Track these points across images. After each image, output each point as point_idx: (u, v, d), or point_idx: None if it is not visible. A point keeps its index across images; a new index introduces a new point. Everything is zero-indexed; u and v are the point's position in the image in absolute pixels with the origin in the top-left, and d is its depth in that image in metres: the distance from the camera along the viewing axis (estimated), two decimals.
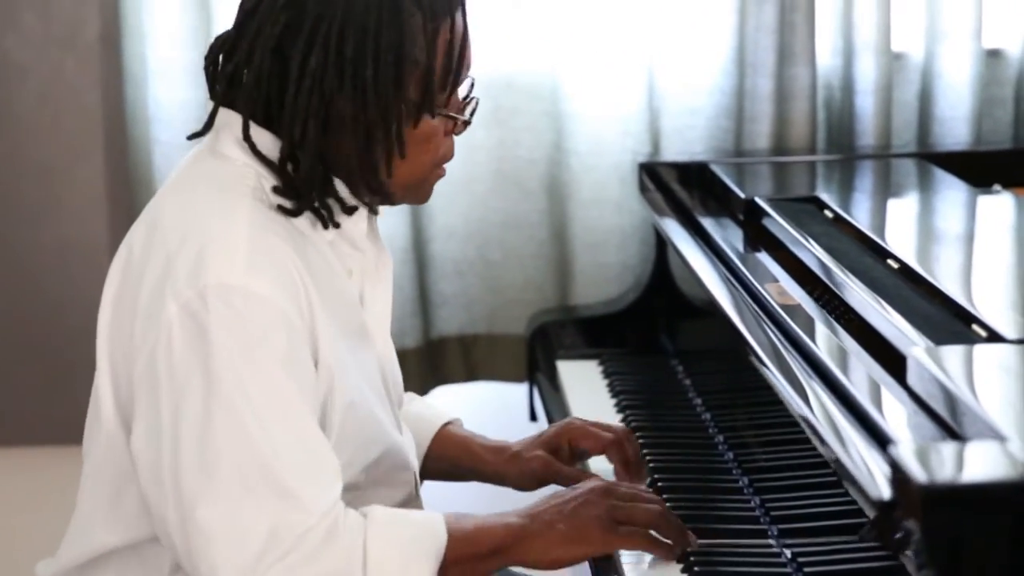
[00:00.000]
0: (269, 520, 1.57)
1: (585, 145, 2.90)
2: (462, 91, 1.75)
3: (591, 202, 2.91)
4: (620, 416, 2.30)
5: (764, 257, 2.19)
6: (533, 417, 2.62)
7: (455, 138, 1.78)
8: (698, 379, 2.39)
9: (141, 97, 2.90)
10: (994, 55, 2.94)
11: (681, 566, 1.75)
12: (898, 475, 1.35)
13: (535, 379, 2.64)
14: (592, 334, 2.71)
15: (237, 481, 1.58)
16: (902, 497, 1.35)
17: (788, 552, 1.78)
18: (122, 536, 1.71)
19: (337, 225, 1.72)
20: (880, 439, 1.50)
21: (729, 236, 2.30)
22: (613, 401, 2.39)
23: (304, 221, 1.71)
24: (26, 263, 2.94)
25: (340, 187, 1.72)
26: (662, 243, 2.64)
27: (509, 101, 2.92)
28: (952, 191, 2.45)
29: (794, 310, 1.92)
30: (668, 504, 1.91)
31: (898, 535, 1.39)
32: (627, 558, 1.78)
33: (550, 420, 2.42)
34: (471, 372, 3.03)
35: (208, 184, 1.70)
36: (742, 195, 2.39)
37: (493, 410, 3.00)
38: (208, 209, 1.67)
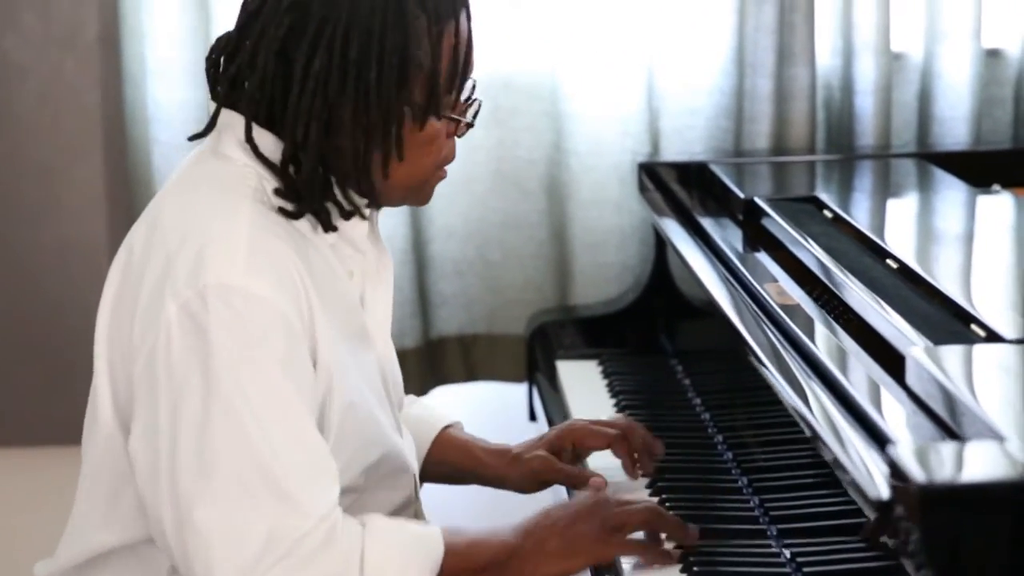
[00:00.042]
0: (267, 523, 1.57)
1: (585, 145, 2.90)
2: (464, 93, 1.75)
3: (590, 202, 2.91)
4: (617, 413, 2.30)
5: (763, 257, 2.19)
6: (532, 417, 2.62)
7: (455, 139, 1.78)
8: (697, 379, 2.40)
9: (140, 97, 2.90)
10: (993, 55, 2.94)
11: (680, 566, 1.75)
12: (897, 475, 1.35)
13: (535, 379, 2.64)
14: (591, 334, 2.71)
15: (235, 482, 1.57)
16: (901, 497, 1.35)
17: (787, 552, 1.78)
18: (119, 537, 1.70)
19: (335, 229, 1.72)
20: (879, 439, 1.50)
21: (728, 236, 2.30)
22: (612, 401, 2.39)
23: (305, 223, 1.71)
24: (25, 263, 2.94)
25: (337, 191, 1.71)
26: (661, 243, 2.65)
27: (508, 101, 2.92)
28: (951, 191, 2.45)
29: (793, 310, 1.92)
30: (668, 504, 1.92)
31: (897, 535, 1.39)
32: (626, 559, 1.78)
33: (549, 420, 2.42)
34: (470, 372, 3.03)
35: (209, 185, 1.70)
36: (741, 195, 2.39)
37: (492, 410, 3.00)
38: (209, 210, 1.67)
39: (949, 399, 1.48)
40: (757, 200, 2.34)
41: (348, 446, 1.71)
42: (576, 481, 1.98)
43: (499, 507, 2.13)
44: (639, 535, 1.77)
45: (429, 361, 2.99)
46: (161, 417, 1.60)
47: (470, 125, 1.78)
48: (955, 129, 2.88)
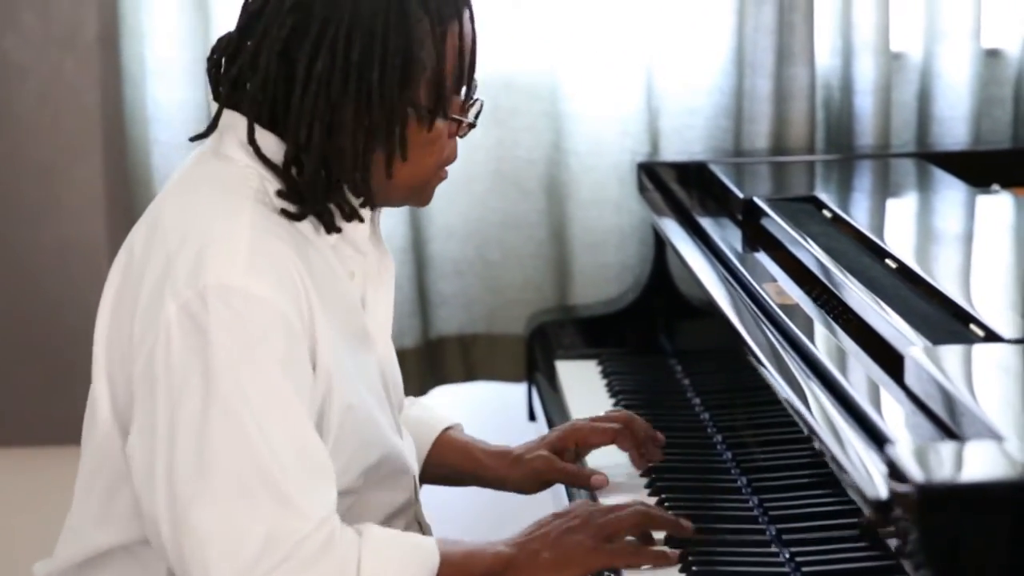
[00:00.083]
0: (266, 525, 1.57)
1: (584, 145, 2.90)
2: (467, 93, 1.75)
3: (590, 202, 2.91)
4: (612, 405, 2.31)
5: (763, 257, 2.19)
6: (532, 417, 2.62)
7: (456, 139, 1.78)
8: (697, 379, 2.40)
9: (140, 97, 2.90)
10: (993, 55, 2.94)
11: (679, 566, 1.75)
12: (895, 475, 1.35)
13: (534, 379, 2.64)
14: (591, 334, 2.71)
15: (234, 484, 1.57)
16: (899, 497, 1.35)
17: (786, 552, 1.78)
18: (114, 537, 1.70)
19: (339, 230, 1.72)
20: (878, 439, 1.50)
21: (728, 236, 2.30)
22: (612, 401, 2.39)
23: (307, 224, 1.71)
24: (25, 263, 2.94)
25: (343, 191, 1.71)
26: (661, 243, 2.65)
27: (508, 101, 2.92)
28: (951, 191, 2.45)
29: (792, 310, 1.92)
30: (667, 504, 1.92)
31: (896, 535, 1.39)
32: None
33: (549, 420, 2.42)
34: (470, 372, 3.03)
35: (211, 185, 1.70)
36: (741, 195, 2.39)
37: (492, 410, 3.00)
38: (210, 210, 1.66)
39: (948, 399, 1.48)
40: (756, 200, 2.34)
41: (347, 448, 1.71)
42: (578, 480, 1.98)
43: (499, 508, 2.13)
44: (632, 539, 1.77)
45: (428, 361, 2.99)
46: (160, 417, 1.60)
47: (472, 125, 1.78)
48: (954, 129, 2.88)
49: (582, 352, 2.66)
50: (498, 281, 2.97)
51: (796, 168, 2.78)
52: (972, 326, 1.70)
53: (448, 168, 1.79)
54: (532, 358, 2.69)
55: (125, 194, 2.93)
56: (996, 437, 1.37)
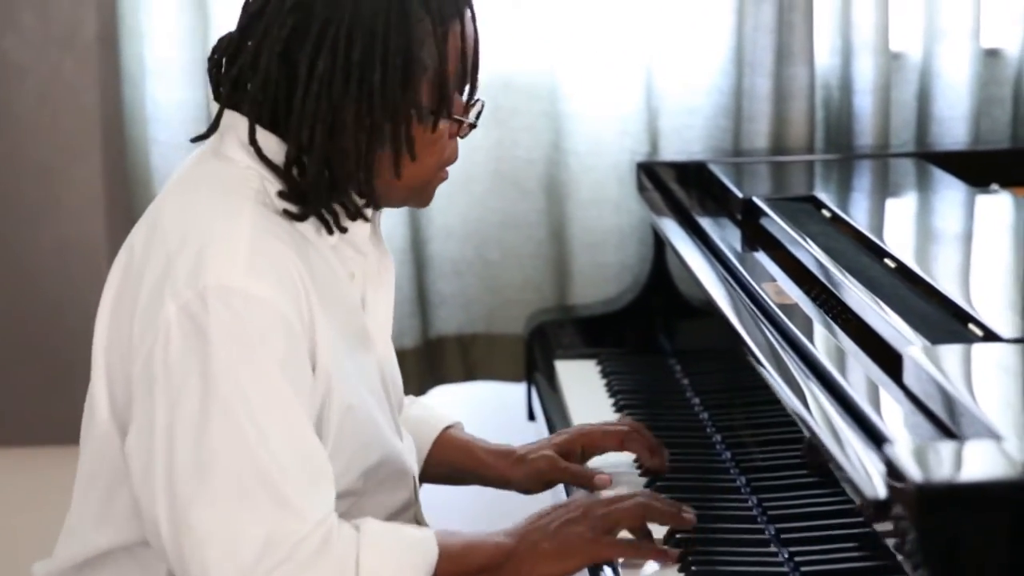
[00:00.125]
0: (264, 527, 1.57)
1: (583, 145, 2.90)
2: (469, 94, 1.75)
3: (589, 202, 2.91)
4: (618, 416, 2.30)
5: (762, 257, 2.19)
6: (531, 416, 2.62)
7: (457, 140, 1.78)
8: (696, 379, 2.40)
9: (139, 97, 2.90)
10: (992, 55, 2.94)
11: (678, 565, 1.75)
12: (894, 474, 1.35)
13: (533, 379, 2.64)
14: (590, 334, 2.71)
15: (233, 485, 1.57)
16: (898, 497, 1.35)
17: (785, 551, 1.78)
18: (113, 538, 1.70)
19: (345, 230, 1.72)
20: (877, 438, 1.50)
21: (727, 236, 2.30)
22: (611, 400, 2.39)
23: (307, 225, 1.71)
24: (24, 263, 2.94)
25: (347, 191, 1.71)
26: (660, 243, 2.65)
27: (508, 101, 2.92)
28: (950, 191, 2.45)
29: (791, 310, 1.92)
30: None
31: (894, 535, 1.39)
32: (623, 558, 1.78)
33: (548, 420, 2.42)
34: (469, 372, 3.03)
35: (211, 186, 1.70)
36: (740, 195, 2.39)
37: (491, 410, 3.00)
38: (210, 211, 1.66)
39: (947, 398, 1.48)
40: (756, 200, 2.34)
41: (347, 449, 1.71)
42: (581, 480, 1.98)
43: (499, 509, 2.13)
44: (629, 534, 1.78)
45: (428, 361, 2.99)
46: (159, 417, 1.60)
47: (473, 126, 1.78)
48: (954, 129, 2.88)
49: (581, 352, 2.66)
50: (497, 281, 2.97)
51: (795, 168, 2.78)
52: (971, 326, 1.70)
53: (448, 168, 1.79)
54: (531, 358, 2.69)
55: (124, 194, 2.93)
56: (995, 437, 1.37)
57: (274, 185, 1.69)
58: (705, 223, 2.38)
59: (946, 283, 1.84)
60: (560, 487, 2.02)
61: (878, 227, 2.24)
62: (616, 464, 2.04)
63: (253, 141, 1.68)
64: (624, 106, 2.89)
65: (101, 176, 2.91)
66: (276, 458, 1.58)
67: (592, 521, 1.72)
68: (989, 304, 1.80)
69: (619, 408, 2.34)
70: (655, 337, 2.65)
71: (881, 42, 2.83)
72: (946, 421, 1.47)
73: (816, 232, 2.14)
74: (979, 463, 1.37)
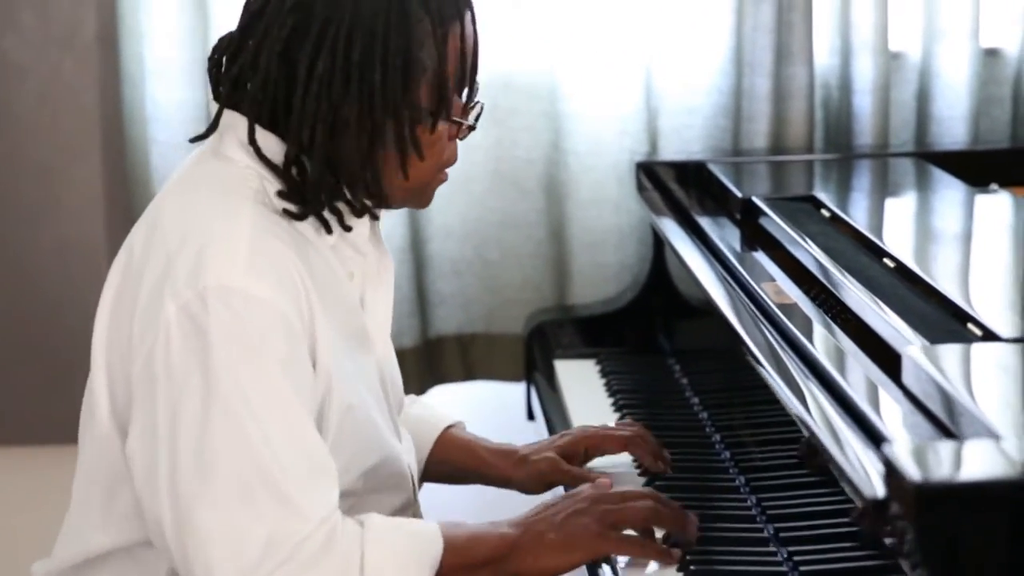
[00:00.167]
0: (267, 527, 1.57)
1: (583, 145, 2.90)
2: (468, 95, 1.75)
3: (589, 202, 2.91)
4: (617, 415, 2.30)
5: (761, 256, 2.19)
6: (531, 416, 2.62)
7: (456, 141, 1.78)
8: (695, 378, 2.40)
9: (138, 97, 2.90)
10: (992, 54, 2.94)
11: (677, 565, 1.75)
12: (893, 474, 1.35)
13: (533, 378, 2.64)
14: (590, 333, 2.71)
15: (235, 485, 1.57)
16: (897, 496, 1.35)
17: (784, 551, 1.78)
18: (114, 538, 1.70)
19: (350, 228, 1.72)
20: (876, 438, 1.50)
21: (726, 235, 2.30)
22: (610, 400, 2.39)
23: (307, 225, 1.71)
24: (24, 263, 2.94)
25: (346, 192, 1.71)
26: (659, 243, 2.65)
27: (507, 101, 2.92)
28: (949, 190, 2.46)
29: (791, 309, 1.92)
30: None
31: (893, 534, 1.39)
32: (622, 556, 1.78)
33: (548, 419, 2.42)
34: (469, 371, 3.03)
35: (210, 186, 1.70)
36: (739, 194, 2.39)
37: (491, 409, 3.01)
38: (210, 211, 1.66)
39: (946, 398, 1.48)
40: (755, 199, 2.34)
41: (346, 449, 1.71)
42: (582, 482, 1.97)
43: (499, 509, 2.13)
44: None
45: (427, 360, 2.99)
46: (160, 418, 1.60)
47: (472, 128, 1.78)
48: (953, 128, 2.88)
49: (581, 351, 2.66)
50: (497, 281, 2.97)
51: (795, 167, 2.79)
52: (970, 325, 1.70)
53: (447, 169, 1.79)
54: (531, 357, 2.69)
55: (124, 194, 2.93)
56: (994, 436, 1.37)
57: (273, 185, 1.69)
58: (704, 223, 2.38)
59: (945, 283, 1.85)
60: (561, 489, 2.02)
61: (877, 227, 2.24)
62: (616, 464, 2.04)
63: (253, 141, 1.68)
64: (624, 106, 2.89)
65: (101, 176, 2.91)
66: (278, 457, 1.58)
67: (599, 514, 1.72)
68: (988, 304, 1.81)
69: (618, 408, 2.34)
70: (654, 337, 2.65)
71: (880, 42, 2.83)
72: (945, 421, 1.47)
73: (815, 232, 2.14)
74: (978, 463, 1.37)
